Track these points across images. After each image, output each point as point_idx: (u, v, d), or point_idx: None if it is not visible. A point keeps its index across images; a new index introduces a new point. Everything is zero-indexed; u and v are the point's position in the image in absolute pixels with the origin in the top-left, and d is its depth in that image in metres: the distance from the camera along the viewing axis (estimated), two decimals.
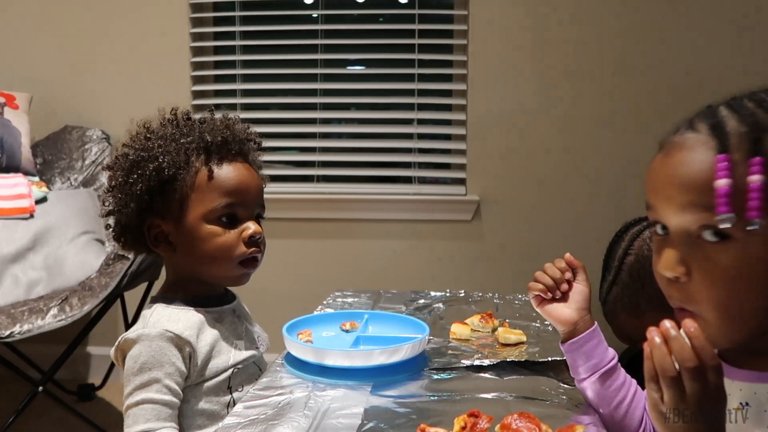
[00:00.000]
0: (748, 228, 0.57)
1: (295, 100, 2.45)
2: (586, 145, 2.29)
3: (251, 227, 1.01)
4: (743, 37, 2.20)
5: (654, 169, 0.66)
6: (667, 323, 0.56)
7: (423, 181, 2.44)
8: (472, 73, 2.31)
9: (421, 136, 2.41)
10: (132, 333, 0.95)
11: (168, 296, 1.03)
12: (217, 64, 2.49)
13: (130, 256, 1.80)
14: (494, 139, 2.33)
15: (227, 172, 1.01)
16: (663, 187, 0.63)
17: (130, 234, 1.03)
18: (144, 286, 2.01)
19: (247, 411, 0.82)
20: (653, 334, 0.56)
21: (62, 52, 2.46)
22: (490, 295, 1.43)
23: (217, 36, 2.46)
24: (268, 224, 1.09)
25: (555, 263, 0.88)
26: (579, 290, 0.87)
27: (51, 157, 2.36)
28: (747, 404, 0.63)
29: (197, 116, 1.07)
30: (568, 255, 0.88)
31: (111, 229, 1.04)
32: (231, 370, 0.99)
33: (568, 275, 0.87)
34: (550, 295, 0.87)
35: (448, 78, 2.40)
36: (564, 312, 0.86)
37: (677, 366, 0.54)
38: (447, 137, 2.43)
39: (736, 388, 0.65)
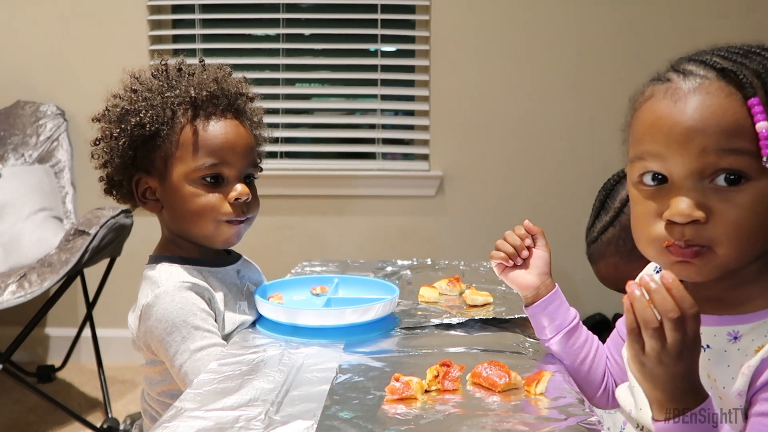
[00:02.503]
0: None
1: (257, 75, 2.43)
2: (549, 118, 2.34)
3: (237, 188, 0.98)
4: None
5: (660, 116, 0.65)
6: (646, 276, 0.59)
7: (387, 156, 2.45)
8: (434, 49, 2.33)
9: (385, 112, 2.42)
10: (149, 297, 0.93)
11: (166, 255, 1.00)
12: (176, 38, 2.44)
13: (91, 231, 1.77)
14: (457, 115, 2.36)
15: (213, 129, 0.97)
16: (680, 133, 0.63)
17: (120, 189, 1.01)
18: (105, 263, 1.98)
19: (222, 368, 0.82)
20: (633, 288, 0.58)
21: (11, 25, 2.37)
22: (456, 262, 1.46)
23: (176, 8, 2.41)
24: None
25: (515, 230, 0.90)
26: (539, 256, 0.90)
27: (3, 133, 2.28)
28: (708, 346, 0.67)
29: (190, 63, 1.02)
30: (527, 222, 0.91)
31: (103, 183, 1.01)
32: (236, 331, 0.98)
33: (528, 242, 0.90)
34: (511, 262, 0.90)
35: (410, 54, 2.41)
36: (526, 278, 0.89)
37: (658, 317, 0.57)
38: (410, 113, 2.44)
39: None
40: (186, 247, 1.02)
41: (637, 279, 0.60)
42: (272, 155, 2.43)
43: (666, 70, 0.69)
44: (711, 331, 0.67)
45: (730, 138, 0.61)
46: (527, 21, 2.31)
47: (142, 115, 0.95)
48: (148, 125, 0.95)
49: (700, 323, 0.57)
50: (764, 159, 0.60)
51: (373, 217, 2.41)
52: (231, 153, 0.98)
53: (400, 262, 1.47)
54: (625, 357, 0.80)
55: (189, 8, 2.37)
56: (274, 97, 2.41)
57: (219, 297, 0.98)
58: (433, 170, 2.37)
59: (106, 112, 0.99)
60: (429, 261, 1.47)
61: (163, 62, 1.02)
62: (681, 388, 0.58)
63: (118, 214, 1.81)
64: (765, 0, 2.28)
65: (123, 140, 0.96)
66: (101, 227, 1.76)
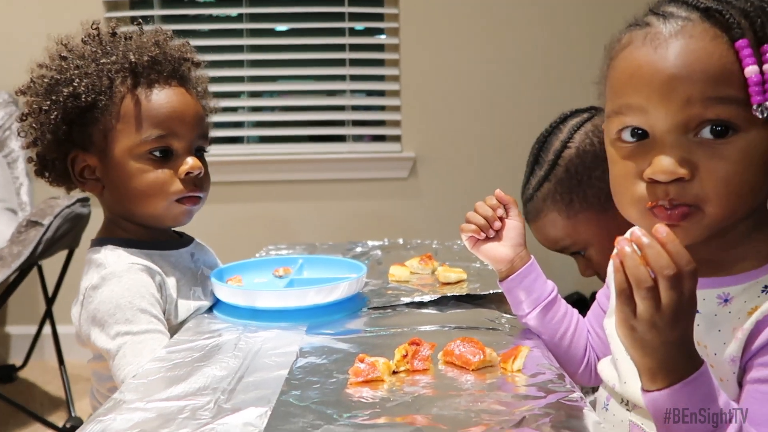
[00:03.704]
0: (759, 115, 0.54)
1: (220, 57, 2.33)
2: (521, 97, 2.28)
3: (189, 162, 0.89)
4: None
5: (640, 64, 0.59)
6: (638, 230, 0.53)
7: (357, 139, 2.38)
8: (404, 27, 2.25)
9: (354, 93, 2.34)
10: (93, 279, 0.84)
11: (111, 238, 0.91)
12: (134, 20, 2.33)
13: (45, 222, 1.67)
14: (429, 94, 2.29)
15: (157, 98, 0.88)
16: (662, 82, 0.57)
17: (53, 169, 0.91)
18: (63, 255, 1.88)
19: (171, 355, 0.75)
20: (623, 244, 0.52)
21: None
22: (429, 241, 1.40)
23: None
24: None
25: (486, 201, 0.84)
26: (513, 226, 0.83)
27: None
28: (698, 311, 0.61)
29: (124, 30, 0.93)
30: (498, 191, 0.84)
31: (33, 163, 0.91)
32: (191, 318, 0.90)
33: (500, 212, 0.83)
34: (483, 235, 0.83)
35: (379, 32, 2.33)
36: (499, 250, 0.83)
37: (652, 275, 0.51)
38: (381, 93, 2.37)
39: None
40: (132, 230, 0.93)
41: (628, 234, 0.54)
42: (238, 140, 2.34)
43: (645, 14, 0.62)
44: (700, 295, 0.61)
45: (717, 85, 0.55)
46: None
47: (75, 84, 0.85)
48: (83, 96, 0.85)
49: (697, 282, 0.52)
50: (754, 107, 0.55)
51: (344, 201, 2.33)
52: (179, 123, 0.89)
53: (370, 243, 1.40)
54: (607, 329, 0.75)
55: (148, 3, 2.27)
56: (239, 79, 2.32)
57: (171, 282, 0.90)
58: (406, 152, 2.30)
59: (32, 84, 0.89)
60: (401, 241, 1.41)
61: (94, 26, 0.92)
62: (675, 355, 0.53)
63: (73, 203, 1.71)
64: None
65: (54, 114, 0.86)
66: (55, 217, 1.67)
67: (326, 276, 1.02)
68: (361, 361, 0.68)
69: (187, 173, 0.89)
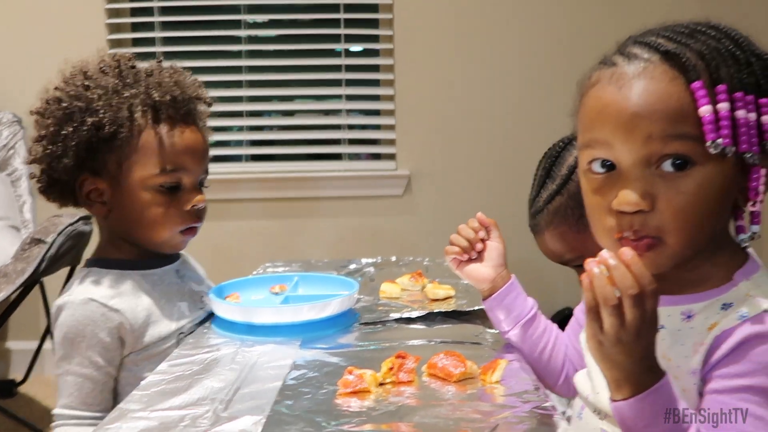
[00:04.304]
0: (712, 151, 0.59)
1: (220, 78, 2.39)
2: (516, 116, 2.34)
3: (196, 197, 0.96)
4: None
5: (606, 103, 0.63)
6: (605, 253, 0.57)
7: (353, 157, 2.43)
8: (398, 48, 2.32)
9: (350, 112, 2.40)
10: (60, 299, 0.91)
11: (102, 258, 0.97)
12: (136, 42, 2.39)
13: (48, 239, 1.71)
14: (423, 113, 2.35)
15: (174, 135, 0.93)
16: (625, 120, 0.61)
17: (59, 188, 0.95)
18: (65, 271, 1.92)
19: (172, 369, 0.80)
20: (592, 265, 0.57)
21: None
22: (420, 258, 1.45)
23: (135, 11, 2.37)
24: None
25: (468, 223, 0.89)
26: (494, 247, 0.89)
27: None
28: (663, 326, 0.66)
29: (143, 65, 0.98)
30: (480, 214, 0.90)
31: (36, 179, 0.95)
32: (177, 335, 0.94)
33: (482, 234, 0.89)
34: (466, 256, 0.88)
35: (375, 53, 2.40)
36: (481, 271, 0.88)
37: (617, 294, 0.55)
38: (376, 113, 2.43)
39: None
40: (126, 250, 0.98)
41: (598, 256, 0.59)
42: (237, 158, 2.40)
43: (612, 53, 0.68)
44: (665, 312, 0.67)
45: (675, 123, 0.60)
46: (490, 18, 2.31)
47: (101, 115, 0.90)
48: (106, 126, 0.90)
49: (658, 300, 0.56)
50: (708, 144, 0.60)
51: (341, 218, 2.39)
52: (191, 160, 0.96)
53: (364, 260, 1.45)
54: (583, 342, 0.80)
55: (149, 21, 2.33)
56: (238, 99, 2.38)
57: (142, 307, 0.93)
58: (400, 169, 2.36)
59: (48, 106, 0.93)
60: (393, 258, 1.46)
61: (115, 57, 0.97)
62: (639, 367, 0.57)
63: (76, 222, 1.76)
64: None
65: (75, 140, 0.90)
66: (58, 235, 1.71)
67: (320, 293, 1.07)
68: (350, 373, 0.73)
69: (193, 206, 0.96)
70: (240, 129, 2.40)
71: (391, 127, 2.38)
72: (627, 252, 0.56)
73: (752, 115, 0.60)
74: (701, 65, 0.61)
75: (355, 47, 2.37)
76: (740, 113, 0.59)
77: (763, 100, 0.60)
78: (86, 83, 0.92)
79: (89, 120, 0.90)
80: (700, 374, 0.64)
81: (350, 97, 2.39)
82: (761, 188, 0.62)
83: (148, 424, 0.64)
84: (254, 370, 0.79)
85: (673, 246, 0.62)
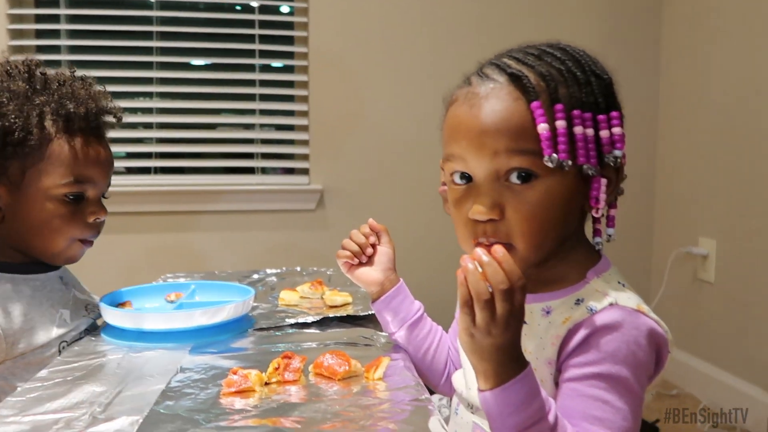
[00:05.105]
0: (549, 164, 0.65)
1: (129, 89, 2.34)
2: (427, 134, 2.40)
3: (98, 210, 0.96)
4: None
5: (460, 121, 0.69)
6: (479, 250, 0.62)
7: (266, 171, 2.44)
8: (312, 65, 2.35)
9: (263, 127, 2.41)
10: None
11: None
12: (40, 49, 2.31)
13: None
14: (336, 130, 2.39)
15: (83, 147, 0.93)
16: (475, 136, 0.67)
17: None
18: None
19: (53, 375, 0.78)
20: (467, 261, 0.61)
21: None
22: (324, 269, 1.47)
23: (40, 18, 2.29)
24: None
25: (360, 229, 0.93)
26: (383, 252, 0.93)
27: None
28: (525, 322, 0.72)
29: (52, 71, 0.97)
30: (371, 220, 0.94)
31: None
32: (59, 343, 0.92)
33: (373, 239, 0.93)
34: (357, 260, 0.92)
35: (290, 69, 2.43)
36: (371, 274, 0.92)
37: (490, 289, 0.60)
38: (290, 128, 2.45)
39: None
40: (9, 254, 0.95)
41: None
42: (146, 171, 2.35)
43: (472, 73, 0.74)
44: (528, 309, 0.72)
45: (518, 140, 0.66)
46: (405, 38, 2.39)
47: (12, 120, 0.88)
48: (16, 132, 0.88)
49: (525, 295, 0.61)
50: (545, 158, 0.66)
51: (253, 232, 2.38)
52: (97, 173, 0.96)
53: (269, 271, 1.46)
54: (459, 343, 0.84)
55: (55, 29, 2.26)
56: (147, 111, 2.34)
57: (18, 313, 0.90)
58: (313, 184, 2.38)
59: None
60: (298, 268, 1.48)
61: (24, 62, 0.95)
62: (505, 358, 0.61)
63: None
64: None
65: None
66: None
67: (217, 300, 1.07)
68: (234, 373, 0.74)
69: (95, 219, 0.95)
70: (150, 141, 2.36)
71: (304, 143, 2.40)
72: (499, 249, 0.61)
73: (590, 131, 0.67)
74: (542, 86, 0.68)
75: (278, 63, 2.39)
76: (577, 129, 0.66)
77: (601, 117, 0.68)
78: None
79: None
80: (556, 365, 0.69)
81: (264, 112, 2.40)
82: (602, 196, 0.69)
83: (19, 428, 0.63)
84: (139, 375, 0.78)
85: (522, 251, 0.68)
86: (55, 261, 0.98)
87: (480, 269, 0.61)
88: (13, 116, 0.88)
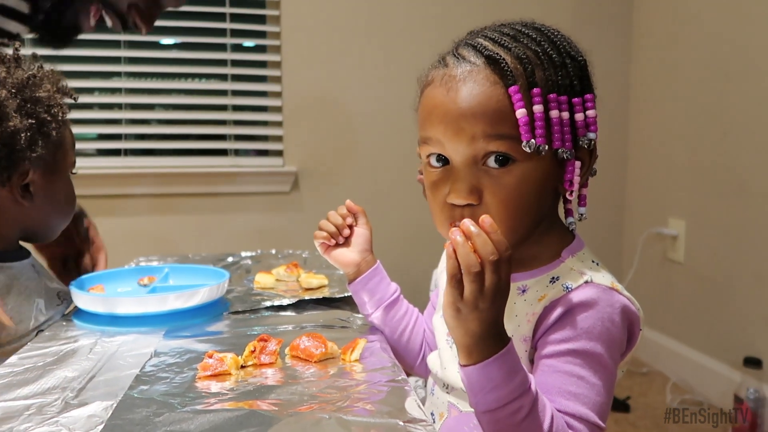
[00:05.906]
0: (527, 150, 0.65)
1: (96, 68, 2.29)
2: (401, 116, 2.41)
3: None
4: None
5: (436, 104, 0.68)
6: (467, 221, 0.61)
7: (239, 153, 2.41)
8: (285, 45, 2.32)
9: (236, 108, 2.38)
10: None
11: None
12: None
13: None
14: (310, 111, 2.36)
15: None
16: (452, 120, 0.66)
17: None
18: None
19: (22, 361, 0.77)
20: (456, 234, 0.60)
21: None
22: (300, 252, 1.46)
23: None
24: None
25: (337, 210, 0.93)
26: (360, 233, 0.92)
27: None
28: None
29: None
30: (348, 201, 0.93)
31: None
32: (34, 333, 0.90)
33: (350, 220, 0.92)
34: (333, 241, 0.92)
35: (262, 49, 2.39)
36: (347, 255, 0.91)
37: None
38: (263, 109, 2.42)
39: None
40: None
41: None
42: (116, 153, 2.30)
43: (447, 52, 0.73)
44: None
45: (496, 125, 0.66)
46: (379, 15, 2.36)
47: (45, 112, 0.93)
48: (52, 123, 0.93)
49: (511, 267, 0.61)
50: (523, 144, 0.66)
51: (226, 215, 2.35)
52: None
53: (243, 254, 1.44)
54: (435, 323, 0.85)
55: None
56: (116, 91, 2.29)
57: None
58: (288, 166, 2.36)
59: None
60: (273, 251, 1.47)
61: (14, 49, 0.96)
62: (490, 333, 0.61)
63: None
64: None
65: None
66: None
67: (191, 284, 1.06)
68: (210, 356, 0.73)
69: None
70: (119, 122, 2.31)
71: (278, 124, 2.37)
72: (487, 219, 0.60)
73: (565, 114, 0.67)
74: (519, 70, 0.67)
75: (250, 43, 2.35)
76: (553, 113, 0.66)
77: (576, 100, 0.68)
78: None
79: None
80: (531, 342, 0.70)
81: (236, 93, 2.36)
82: (576, 179, 0.70)
83: None
84: (112, 359, 0.77)
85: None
86: (52, 236, 1.03)
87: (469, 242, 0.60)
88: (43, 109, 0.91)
